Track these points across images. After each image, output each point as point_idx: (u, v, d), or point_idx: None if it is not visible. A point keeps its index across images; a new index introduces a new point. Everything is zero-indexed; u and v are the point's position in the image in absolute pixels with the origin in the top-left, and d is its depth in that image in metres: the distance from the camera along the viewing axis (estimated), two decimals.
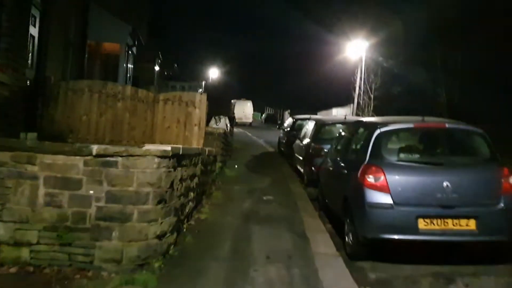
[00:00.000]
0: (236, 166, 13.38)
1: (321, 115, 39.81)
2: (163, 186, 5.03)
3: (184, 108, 11.12)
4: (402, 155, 5.75)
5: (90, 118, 10.42)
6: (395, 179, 5.49)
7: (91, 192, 4.81)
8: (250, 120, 47.59)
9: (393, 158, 5.72)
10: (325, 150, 9.62)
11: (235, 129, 36.86)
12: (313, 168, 10.77)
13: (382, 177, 5.48)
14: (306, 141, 12.00)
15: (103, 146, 4.96)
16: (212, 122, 12.36)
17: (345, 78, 39.08)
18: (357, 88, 35.80)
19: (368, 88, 34.63)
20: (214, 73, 48.98)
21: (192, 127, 11.06)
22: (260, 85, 65.48)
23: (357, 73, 35.65)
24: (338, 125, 11.44)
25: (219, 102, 28.80)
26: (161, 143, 10.87)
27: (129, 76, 15.93)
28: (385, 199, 5.43)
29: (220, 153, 11.03)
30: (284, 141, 18.29)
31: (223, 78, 41.07)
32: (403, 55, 32.72)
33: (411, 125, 6.02)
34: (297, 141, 13.88)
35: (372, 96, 34.54)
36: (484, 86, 24.97)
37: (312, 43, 47.13)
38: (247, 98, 48.71)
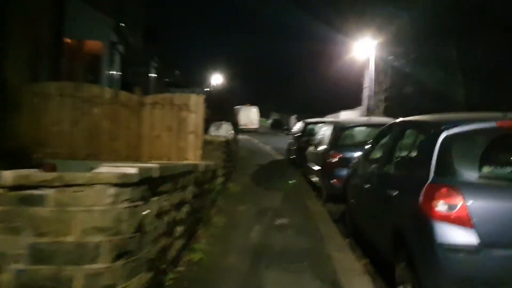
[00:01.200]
0: (241, 178, 11.54)
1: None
2: (124, 230, 3.20)
3: (176, 113, 9.28)
4: (486, 170, 3.84)
5: (62, 128, 8.60)
6: (480, 206, 3.61)
7: (4, 248, 2.98)
8: (256, 126, 45.79)
9: (472, 175, 3.81)
10: (352, 160, 7.77)
11: (240, 136, 35.10)
12: (333, 181, 8.90)
13: (461, 204, 3.60)
14: (323, 148, 10.12)
15: (23, 172, 3.11)
16: (213, 128, 10.53)
17: (353, 79, 37.40)
18: (365, 90, 34.09)
19: (378, 89, 32.91)
20: (217, 79, 47.26)
21: (187, 135, 9.22)
22: (265, 90, 63.70)
23: (365, 73, 34.03)
24: (361, 128, 9.57)
25: (222, 108, 27.08)
26: (151, 157, 9.04)
27: (116, 80, 14.11)
28: (466, 237, 3.55)
29: (221, 166, 9.18)
30: (294, 148, 16.42)
31: (226, 83, 39.28)
32: (415, 53, 30.92)
33: (492, 124, 4.09)
34: (311, 148, 12.01)
35: (382, 97, 32.76)
36: (507, 85, 23.14)
37: (318, 44, 45.29)
38: (252, 104, 46.92)
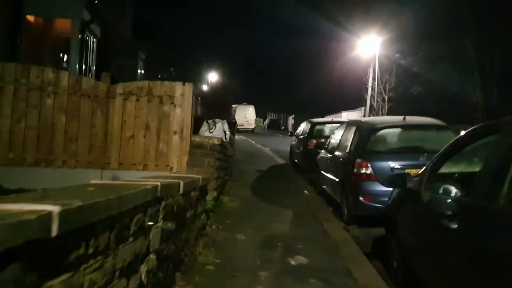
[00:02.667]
0: (238, 189, 9.40)
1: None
2: None
3: (156, 107, 7.18)
4: None
5: (0, 126, 6.44)
6: None
7: None
8: (253, 126, 43.59)
9: None
10: (394, 171, 5.69)
11: (237, 137, 32.90)
12: (361, 198, 6.79)
13: None
14: (343, 154, 8.01)
15: None
16: (204, 128, 8.38)
17: (356, 78, 35.54)
18: (369, 89, 32.17)
19: (382, 88, 30.96)
20: (213, 76, 44.92)
21: (170, 136, 7.12)
22: (261, 89, 61.43)
23: (369, 72, 32.12)
24: (396, 130, 7.44)
25: (218, 106, 25.01)
26: (121, 163, 6.89)
27: (90, 69, 11.89)
28: None
29: (215, 176, 7.02)
30: (298, 151, 14.30)
31: (223, 81, 37.07)
32: (424, 50, 28.96)
33: None
34: (324, 154, 9.89)
35: (386, 97, 30.81)
36: None
37: (319, 41, 43.20)
38: (249, 103, 44.73)
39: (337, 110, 40.00)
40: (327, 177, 8.98)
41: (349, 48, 34.44)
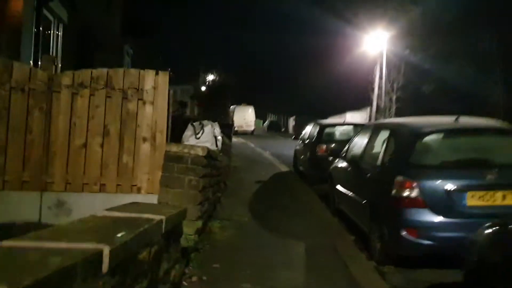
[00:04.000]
0: (233, 209, 7.44)
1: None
2: None
3: (118, 104, 5.25)
4: None
5: None
6: None
7: None
8: (252, 128, 41.55)
9: None
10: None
11: (235, 139, 30.92)
12: (404, 232, 4.85)
13: None
14: (371, 167, 6.05)
15: None
16: (189, 133, 6.42)
17: (361, 77, 33.67)
18: (376, 88, 30.33)
19: (390, 87, 29.09)
20: (211, 76, 42.75)
21: (138, 144, 5.19)
22: (261, 89, 59.32)
23: (376, 70, 30.25)
24: (448, 135, 5.45)
25: (213, 106, 23.10)
26: (68, 182, 4.93)
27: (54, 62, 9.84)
28: None
29: (199, 200, 5.04)
30: (305, 158, 12.33)
31: (219, 79, 35.05)
32: (436, 46, 27.04)
33: None
34: (340, 164, 7.95)
35: (394, 97, 28.94)
36: None
37: (322, 38, 41.17)
38: (248, 103, 42.70)
39: (341, 110, 38.03)
40: (346, 195, 7.01)
41: (354, 44, 32.52)
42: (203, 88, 25.51)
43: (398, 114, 28.32)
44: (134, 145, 5.18)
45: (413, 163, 5.03)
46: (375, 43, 28.66)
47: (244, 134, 39.14)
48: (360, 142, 7.29)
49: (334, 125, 12.34)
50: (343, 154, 7.89)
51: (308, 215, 7.66)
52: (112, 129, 5.13)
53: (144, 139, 5.20)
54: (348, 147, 7.79)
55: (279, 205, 8.29)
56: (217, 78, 26.84)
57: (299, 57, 50.93)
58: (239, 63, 59.37)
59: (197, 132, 6.60)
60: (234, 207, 7.77)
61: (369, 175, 6.01)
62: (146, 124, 5.22)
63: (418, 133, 5.24)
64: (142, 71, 5.38)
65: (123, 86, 5.21)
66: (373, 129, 6.85)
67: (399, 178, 4.96)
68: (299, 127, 46.93)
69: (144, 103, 5.26)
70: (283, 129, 55.86)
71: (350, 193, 6.79)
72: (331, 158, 11.15)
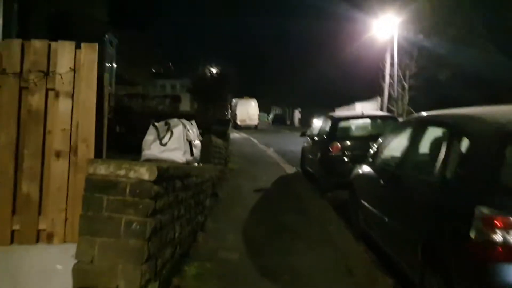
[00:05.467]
0: (221, 241, 5.39)
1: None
2: None
3: (13, 97, 3.19)
4: None
5: None
6: None
7: None
8: (256, 122, 39.39)
9: None
10: None
11: (237, 135, 28.85)
12: None
13: None
14: (428, 185, 3.96)
15: None
16: (150, 137, 4.35)
17: (370, 65, 31.52)
18: (387, 76, 28.10)
19: (401, 75, 26.96)
20: (212, 69, 40.49)
21: (48, 161, 3.12)
22: (264, 81, 56.96)
23: (386, 57, 28.08)
24: None
25: (210, 99, 21.03)
26: None
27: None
28: None
29: (144, 257, 2.95)
30: (315, 158, 10.22)
31: (219, 72, 32.85)
32: (454, 28, 24.80)
33: None
34: (367, 172, 5.88)
35: (406, 85, 26.79)
36: None
37: (327, 23, 38.84)
38: (250, 96, 40.55)
39: (350, 101, 35.88)
40: (378, 217, 4.94)
41: (362, 30, 30.33)
42: (201, 81, 23.66)
43: (412, 103, 26.34)
44: (41, 163, 3.17)
45: (504, 185, 2.95)
46: (385, 28, 26.62)
47: (247, 128, 37.12)
48: (395, 143, 5.20)
49: (349, 118, 10.20)
50: (370, 158, 5.80)
51: (324, 243, 5.59)
52: (2, 139, 3.12)
53: (58, 154, 3.19)
54: (378, 149, 5.70)
55: (284, 228, 6.21)
56: (216, 70, 24.82)
57: (303, 45, 48.45)
58: (240, 54, 57.06)
59: (161, 135, 4.55)
60: (223, 234, 5.71)
61: (420, 197, 3.93)
62: (61, 129, 3.21)
63: (508, 134, 3.15)
64: (53, 44, 3.35)
65: (21, 69, 3.19)
66: (417, 125, 4.75)
67: (484, 211, 2.88)
68: (305, 120, 45.03)
69: (57, 95, 3.24)
70: (288, 122, 53.76)
71: (385, 218, 4.72)
72: (346, 158, 9.14)
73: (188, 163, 4.61)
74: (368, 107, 33.02)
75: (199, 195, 5.24)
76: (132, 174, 2.98)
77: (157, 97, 15.66)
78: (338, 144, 9.14)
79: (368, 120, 9.98)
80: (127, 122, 13.03)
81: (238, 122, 37.98)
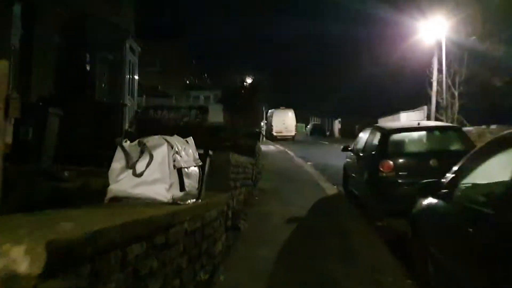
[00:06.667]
0: None
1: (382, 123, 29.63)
2: None
3: None
4: None
5: None
6: None
7: None
8: (293, 133, 37.69)
9: None
10: None
11: (273, 147, 27.23)
12: None
13: None
14: None
15: None
16: (117, 165, 2.72)
17: (416, 71, 29.50)
18: (434, 84, 25.96)
19: (450, 82, 24.79)
20: (242, 78, 39.21)
21: None
22: (302, 90, 55.21)
23: (434, 62, 25.97)
24: None
25: (241, 110, 19.60)
26: None
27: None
28: None
29: None
30: (361, 179, 8.43)
31: (252, 81, 31.48)
32: (510, 31, 22.60)
33: None
34: (437, 205, 4.11)
35: (456, 92, 24.61)
36: None
37: (368, 28, 36.83)
38: (287, 106, 38.94)
39: (393, 110, 33.63)
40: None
41: (407, 34, 28.36)
42: (232, 91, 22.38)
43: (462, 112, 24.20)
44: None
45: None
46: (431, 32, 24.68)
47: (284, 140, 35.48)
48: (487, 168, 3.44)
49: (403, 130, 8.34)
50: (445, 189, 4.02)
51: None
52: None
53: None
54: (457, 175, 3.92)
55: (325, 284, 4.50)
56: (249, 79, 23.46)
57: (343, 52, 46.49)
58: (275, 63, 55.57)
59: (134, 161, 2.97)
60: None
61: None
62: None
63: None
64: None
65: None
66: None
67: None
68: (346, 130, 42.95)
69: None
70: (327, 133, 51.62)
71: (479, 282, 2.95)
72: (401, 180, 7.37)
73: (175, 201, 3.02)
74: (414, 117, 30.72)
75: (199, 245, 3.62)
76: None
77: (183, 108, 14.32)
78: (390, 162, 7.35)
79: (425, 132, 8.13)
80: (150, 135, 11.72)
81: (274, 134, 36.46)
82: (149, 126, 13.11)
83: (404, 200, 7.39)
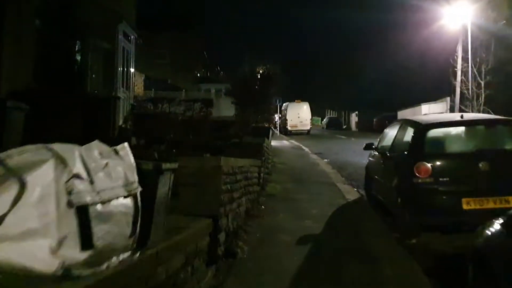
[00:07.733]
0: None
1: (403, 116, 27.92)
2: None
3: None
4: None
5: None
6: None
7: None
8: (308, 127, 36.18)
9: None
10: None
11: (287, 142, 25.75)
12: None
13: None
14: None
15: None
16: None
17: (438, 60, 27.89)
18: (458, 73, 24.31)
19: (476, 71, 23.10)
20: (256, 68, 37.66)
21: None
22: (317, 83, 53.38)
23: (458, 50, 24.32)
24: None
25: (251, 103, 18.16)
26: None
27: None
28: None
29: None
30: (389, 184, 6.89)
31: (265, 72, 30.11)
32: None
33: None
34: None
35: (482, 82, 22.90)
36: None
37: (388, 14, 34.98)
38: (303, 100, 37.39)
39: (414, 102, 31.84)
40: None
41: (428, 20, 26.69)
42: (243, 83, 21.03)
43: (489, 103, 22.53)
44: None
45: None
46: (455, 17, 23.11)
47: (299, 134, 33.98)
48: None
49: (442, 125, 6.75)
50: None
51: None
52: None
53: None
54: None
55: None
56: (261, 71, 22.07)
57: (360, 41, 44.56)
58: (290, 54, 53.81)
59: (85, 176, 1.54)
60: None
61: None
62: None
63: None
64: None
65: None
66: None
67: None
68: (364, 123, 41.18)
69: None
70: (344, 127, 49.82)
71: None
72: (442, 187, 5.88)
73: (69, 273, 1.59)
74: (436, 109, 28.94)
75: None
76: None
77: (185, 101, 12.96)
78: (428, 164, 5.82)
79: (470, 127, 6.56)
80: (147, 132, 10.41)
81: (289, 128, 35.05)
82: (147, 122, 11.81)
83: (445, 212, 5.94)
